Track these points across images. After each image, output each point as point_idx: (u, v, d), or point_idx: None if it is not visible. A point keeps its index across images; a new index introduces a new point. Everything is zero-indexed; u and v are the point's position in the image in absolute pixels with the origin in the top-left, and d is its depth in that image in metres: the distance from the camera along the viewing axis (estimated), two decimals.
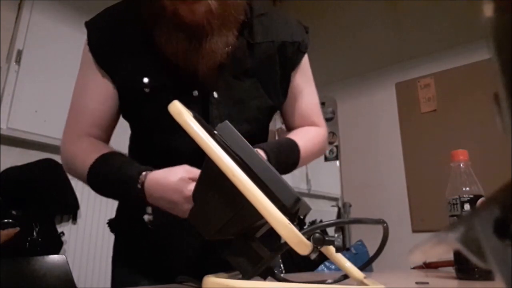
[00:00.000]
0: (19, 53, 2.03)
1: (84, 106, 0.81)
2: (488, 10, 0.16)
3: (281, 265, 1.05)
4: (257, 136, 0.86)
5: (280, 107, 0.91)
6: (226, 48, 0.76)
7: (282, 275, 0.62)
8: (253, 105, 0.83)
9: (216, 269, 0.61)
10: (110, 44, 0.79)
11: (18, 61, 2.02)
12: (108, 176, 0.73)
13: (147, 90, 0.77)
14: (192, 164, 0.68)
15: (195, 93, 0.78)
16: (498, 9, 0.16)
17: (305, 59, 0.91)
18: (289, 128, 0.94)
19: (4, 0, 2.00)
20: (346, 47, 2.95)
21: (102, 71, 0.79)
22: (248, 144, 0.54)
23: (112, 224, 0.91)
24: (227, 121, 0.56)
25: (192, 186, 0.63)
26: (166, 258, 0.83)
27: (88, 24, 0.82)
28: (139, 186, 0.67)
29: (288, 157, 0.82)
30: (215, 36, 0.73)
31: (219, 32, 0.74)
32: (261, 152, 0.74)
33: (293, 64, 0.88)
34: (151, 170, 0.69)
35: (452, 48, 2.44)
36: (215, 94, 0.79)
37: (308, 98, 0.93)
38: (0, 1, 1.98)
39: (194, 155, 0.62)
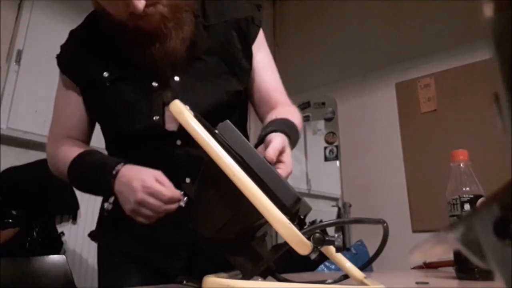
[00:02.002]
0: (19, 53, 2.03)
1: (61, 113, 0.91)
2: (488, 10, 0.16)
3: None
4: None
5: (247, 86, 0.93)
6: (185, 42, 0.82)
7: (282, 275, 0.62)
8: (219, 85, 0.87)
9: (204, 267, 0.62)
10: (72, 53, 0.89)
11: (18, 61, 2.02)
12: (87, 166, 0.80)
13: (107, 83, 0.84)
14: (159, 157, 0.81)
15: (154, 84, 0.83)
16: (498, 9, 0.16)
17: (261, 35, 0.94)
18: (254, 104, 0.97)
19: (4, 0, 2.00)
20: (346, 47, 2.95)
21: (70, 82, 0.88)
22: (249, 143, 0.54)
23: (93, 234, 0.93)
24: (228, 120, 0.56)
25: (155, 184, 0.70)
26: (151, 254, 0.85)
27: (60, 46, 0.92)
28: (114, 172, 0.74)
29: (295, 139, 0.83)
30: (173, 37, 0.80)
31: (177, 32, 0.80)
32: (283, 136, 0.73)
33: (252, 37, 0.91)
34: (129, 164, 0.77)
35: (452, 48, 2.44)
36: (176, 78, 0.84)
37: (269, 73, 0.95)
38: (0, 1, 1.98)
39: (159, 149, 0.81)
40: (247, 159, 0.52)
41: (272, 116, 0.84)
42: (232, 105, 0.89)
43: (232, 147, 0.53)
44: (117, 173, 0.74)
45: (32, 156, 1.93)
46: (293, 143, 0.79)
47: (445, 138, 2.34)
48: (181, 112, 0.53)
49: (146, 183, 0.69)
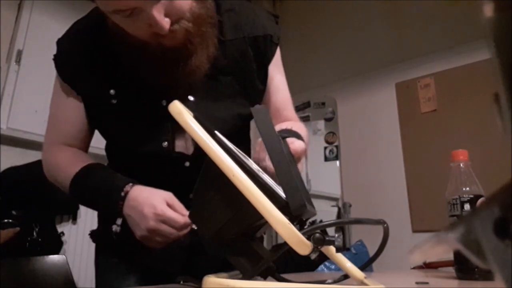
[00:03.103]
0: (19, 53, 2.03)
1: (58, 119, 0.85)
2: (488, 10, 0.16)
3: None
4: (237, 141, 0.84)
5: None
6: (210, 58, 0.76)
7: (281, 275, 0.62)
8: (233, 108, 0.82)
9: (203, 268, 0.62)
10: (74, 61, 0.80)
11: (18, 61, 2.02)
12: (93, 183, 0.76)
13: (114, 101, 0.78)
14: (164, 175, 0.78)
15: (164, 103, 0.77)
16: (498, 9, 0.16)
17: (278, 53, 0.89)
18: None
19: (4, 0, 2.00)
20: (346, 47, 2.95)
21: (68, 87, 0.81)
22: (278, 134, 0.53)
23: (94, 234, 0.91)
24: (264, 106, 0.55)
25: (168, 211, 0.67)
26: (153, 259, 0.84)
27: (57, 42, 0.83)
28: (122, 194, 0.71)
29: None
30: (198, 54, 0.74)
31: (202, 48, 0.75)
32: (304, 145, 0.71)
33: (268, 57, 0.86)
34: (137, 184, 0.73)
35: (452, 48, 2.44)
36: (191, 98, 0.78)
37: (283, 92, 0.91)
38: (0, 1, 1.98)
39: (164, 166, 0.77)
40: (269, 148, 0.51)
41: (283, 126, 0.79)
42: (243, 128, 0.87)
43: (262, 133, 0.52)
44: (125, 194, 0.70)
45: (32, 156, 1.93)
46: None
47: (445, 138, 2.34)
48: (180, 113, 0.53)
49: (157, 210, 0.66)
